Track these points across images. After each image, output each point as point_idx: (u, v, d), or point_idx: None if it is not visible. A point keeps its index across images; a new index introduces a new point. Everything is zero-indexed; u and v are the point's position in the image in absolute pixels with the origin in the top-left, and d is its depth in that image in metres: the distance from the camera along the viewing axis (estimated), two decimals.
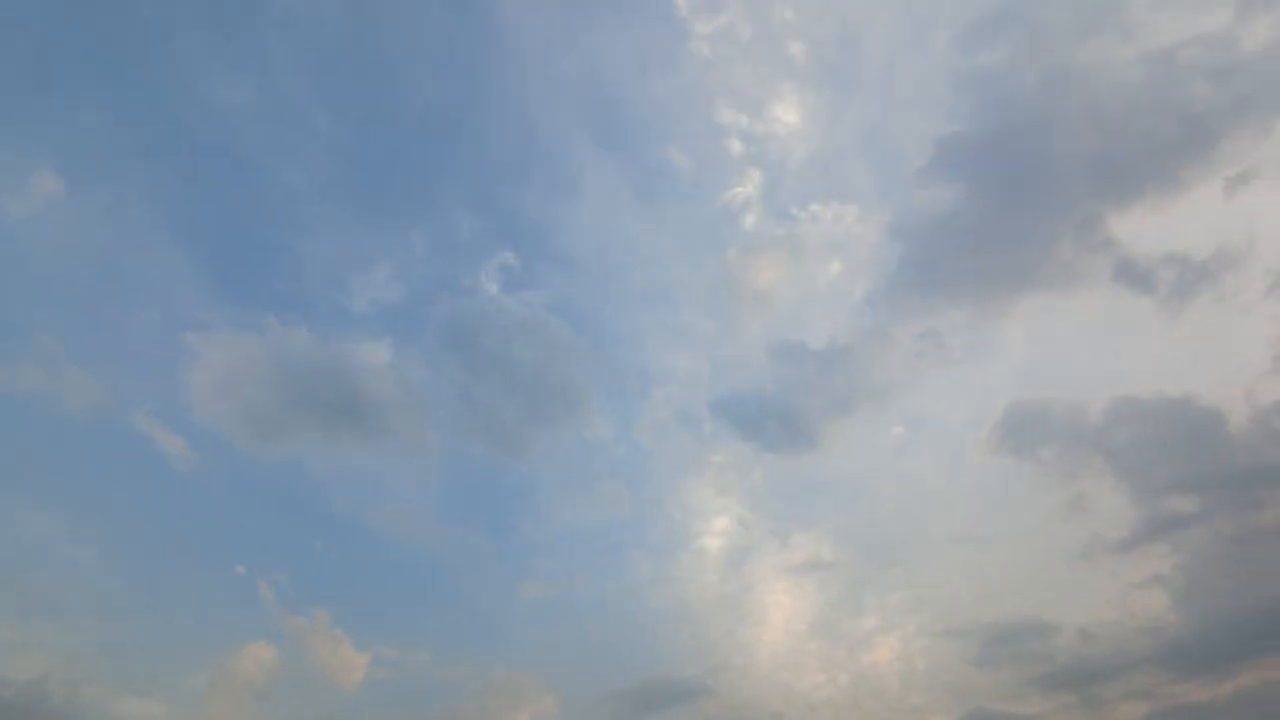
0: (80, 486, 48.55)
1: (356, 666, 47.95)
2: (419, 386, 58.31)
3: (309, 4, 62.95)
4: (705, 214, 69.94)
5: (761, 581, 56.03)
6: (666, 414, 62.98)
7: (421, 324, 62.61)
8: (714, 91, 68.31)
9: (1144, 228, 56.79)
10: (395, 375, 56.86)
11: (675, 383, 64.71)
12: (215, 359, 53.00)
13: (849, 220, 67.08)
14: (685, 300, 69.23)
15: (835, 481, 61.19)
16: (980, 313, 60.37)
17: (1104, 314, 58.71)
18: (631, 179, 72.40)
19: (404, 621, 51.05)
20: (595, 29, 70.83)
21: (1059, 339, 61.23)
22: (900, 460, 61.13)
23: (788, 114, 67.92)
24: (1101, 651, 47.45)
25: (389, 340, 58.54)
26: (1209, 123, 53.27)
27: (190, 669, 45.11)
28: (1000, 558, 53.43)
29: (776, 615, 54.73)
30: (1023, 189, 58.05)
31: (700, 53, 67.54)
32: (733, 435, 60.22)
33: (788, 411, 59.16)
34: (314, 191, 64.73)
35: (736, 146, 67.89)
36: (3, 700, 38.52)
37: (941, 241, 60.05)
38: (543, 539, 57.40)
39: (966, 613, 52.14)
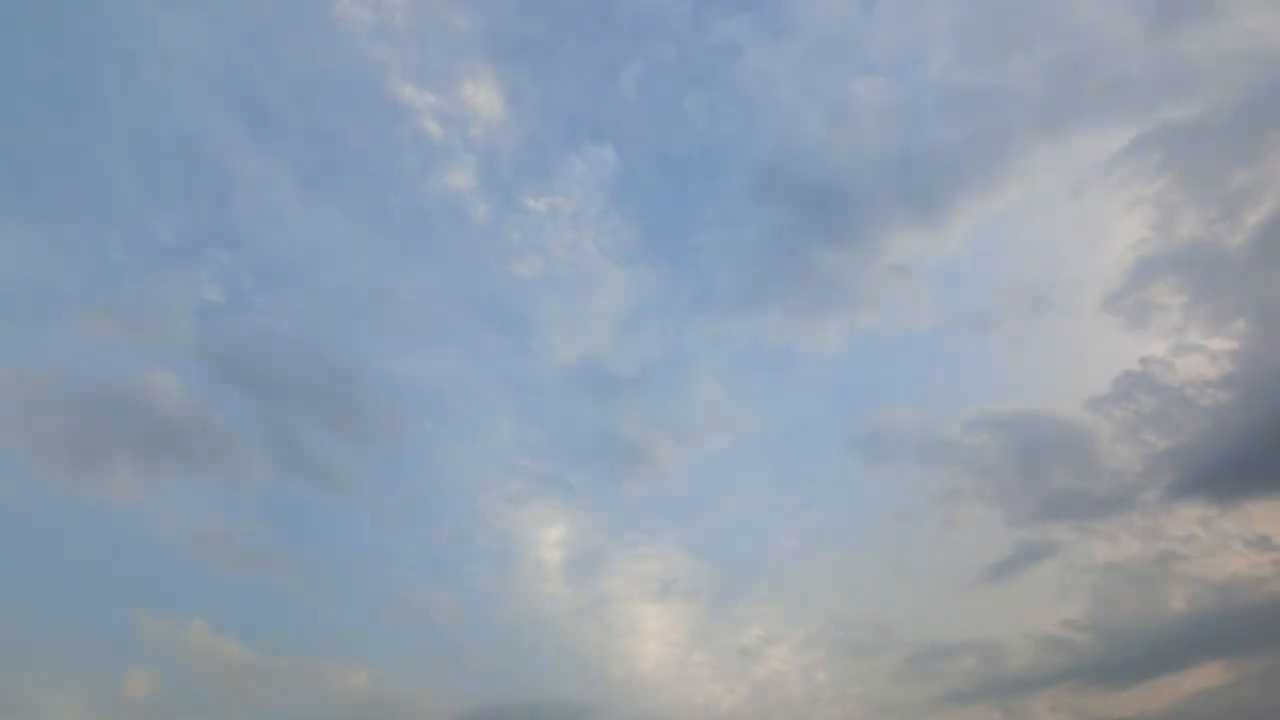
0: None
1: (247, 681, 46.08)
2: (213, 417, 54.06)
3: None
4: (416, 204, 63.57)
5: (621, 594, 55.64)
6: (481, 436, 60.40)
7: (183, 345, 55.55)
8: (388, 66, 60.83)
9: (958, 249, 58.91)
10: (185, 405, 53.15)
11: (476, 400, 61.22)
12: None
13: (593, 213, 63.46)
14: (439, 308, 63.51)
15: (678, 499, 60.27)
16: (803, 333, 61.32)
17: (928, 335, 60.56)
18: (308, 166, 62.35)
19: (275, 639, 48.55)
20: None
21: (886, 361, 62.98)
22: (741, 476, 61.01)
23: (480, 94, 62.09)
24: (1012, 668, 47.92)
25: (166, 370, 53.43)
26: (1005, 143, 55.59)
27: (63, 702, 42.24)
28: (875, 572, 54.42)
29: (649, 628, 54.36)
30: (821, 213, 59.51)
31: (356, 19, 59.28)
32: (558, 459, 59.04)
33: (610, 434, 59.50)
34: None
35: (434, 129, 61.60)
36: None
37: (742, 262, 61.14)
38: (386, 565, 54.63)
39: (858, 626, 52.11)
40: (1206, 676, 44.41)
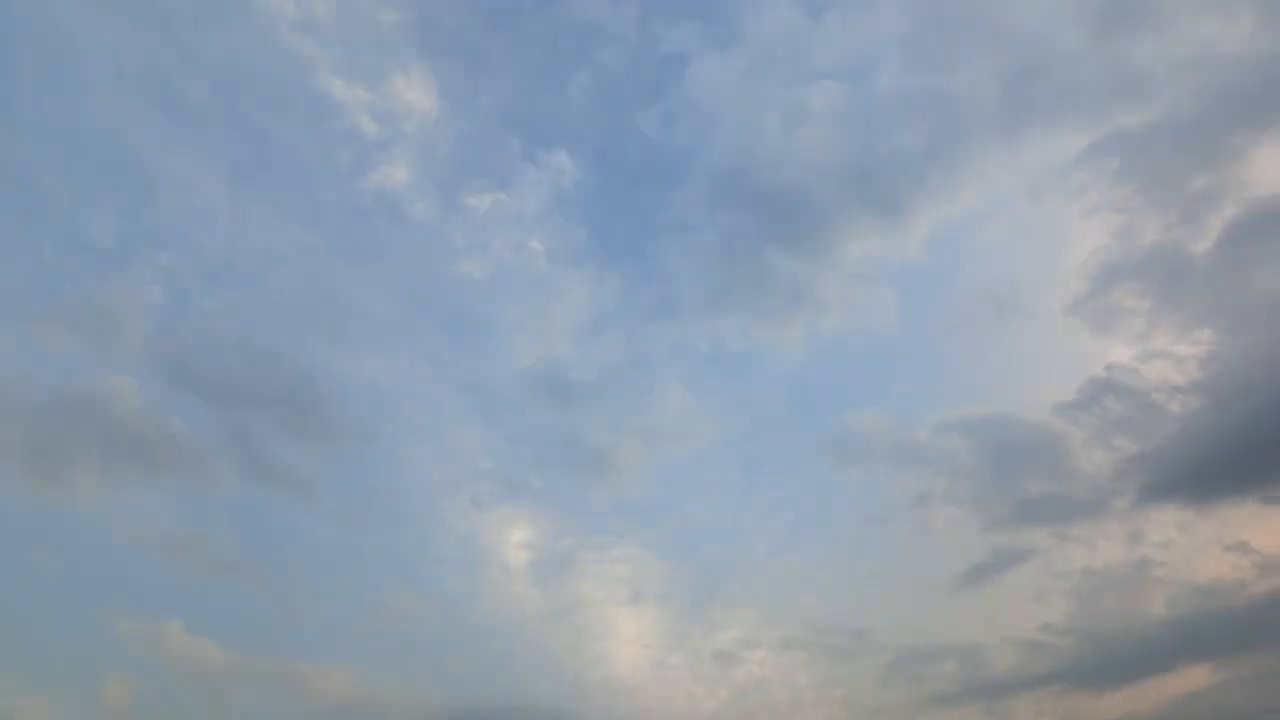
0: None
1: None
2: (171, 422, 52.74)
3: None
4: (352, 202, 61.67)
5: (592, 598, 55.35)
6: (443, 441, 59.54)
7: (135, 349, 53.82)
8: (314, 60, 58.97)
9: (919, 253, 59.39)
10: (143, 410, 51.55)
11: (436, 404, 60.28)
12: None
13: (540, 213, 63.36)
14: (386, 309, 62.23)
15: (646, 503, 60.03)
16: (767, 337, 61.53)
17: (893, 339, 60.86)
18: (237, 164, 60.00)
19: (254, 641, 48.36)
20: None
21: (851, 364, 63.35)
22: (709, 480, 60.81)
23: (413, 90, 61.36)
24: (995, 672, 47.42)
25: (121, 374, 52.00)
26: (960, 148, 56.28)
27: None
28: (850, 575, 54.17)
29: (623, 631, 53.92)
30: (780, 218, 59.78)
31: (277, 11, 57.32)
32: (521, 463, 58.68)
33: (574, 439, 58.99)
34: None
35: (367, 125, 60.36)
36: None
37: (703, 268, 61.43)
38: (355, 568, 54.10)
39: (835, 629, 51.65)
40: (1192, 679, 44.37)
